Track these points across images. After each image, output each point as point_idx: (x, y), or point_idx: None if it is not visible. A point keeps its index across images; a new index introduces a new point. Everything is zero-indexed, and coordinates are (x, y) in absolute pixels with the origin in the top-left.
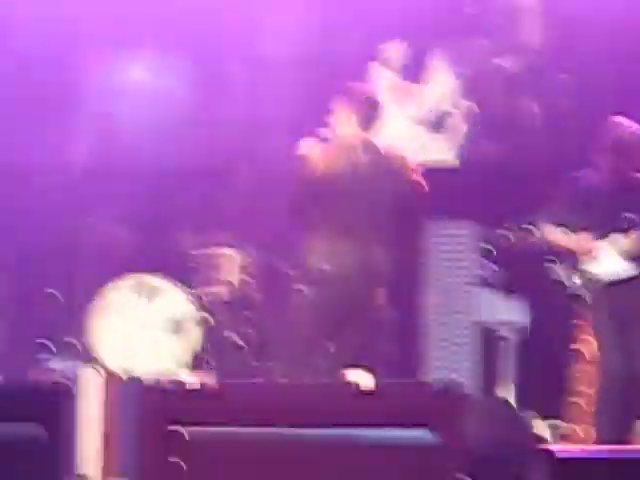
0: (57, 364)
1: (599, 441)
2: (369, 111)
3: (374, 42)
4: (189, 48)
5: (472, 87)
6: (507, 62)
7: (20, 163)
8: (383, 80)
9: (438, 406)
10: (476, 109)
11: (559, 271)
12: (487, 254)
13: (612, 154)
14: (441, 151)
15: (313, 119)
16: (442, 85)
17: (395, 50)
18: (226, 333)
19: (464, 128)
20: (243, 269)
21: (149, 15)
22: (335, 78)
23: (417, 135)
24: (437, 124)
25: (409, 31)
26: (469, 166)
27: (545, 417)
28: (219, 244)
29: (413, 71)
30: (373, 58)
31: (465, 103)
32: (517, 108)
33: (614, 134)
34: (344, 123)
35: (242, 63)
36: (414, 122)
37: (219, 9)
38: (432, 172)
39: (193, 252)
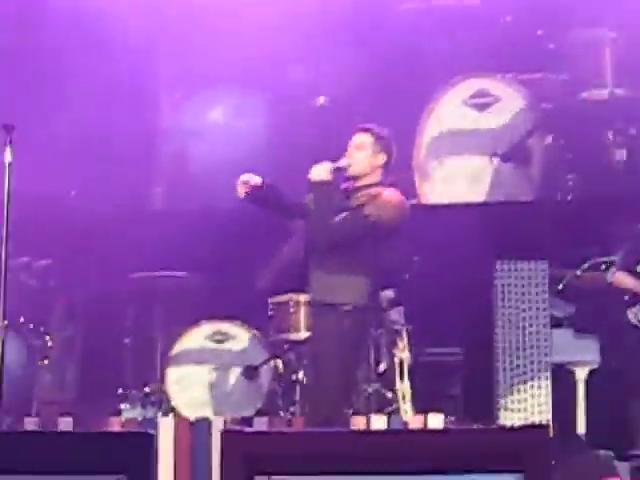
0: (136, 413)
1: None
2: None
3: (455, 76)
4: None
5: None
6: (588, 95)
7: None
8: (459, 114)
9: (528, 449)
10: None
11: (632, 315)
12: (560, 294)
13: None
14: (517, 186)
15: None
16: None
17: (473, 84)
18: (300, 378)
19: (542, 163)
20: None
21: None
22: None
23: (494, 169)
24: (516, 158)
25: (489, 65)
26: (544, 203)
27: (618, 456)
28: (295, 289)
29: (492, 105)
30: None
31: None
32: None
33: None
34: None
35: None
36: (492, 156)
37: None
38: (506, 208)
39: (268, 298)
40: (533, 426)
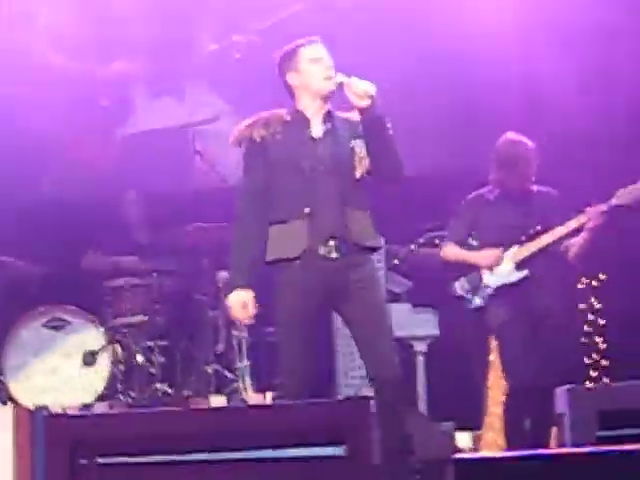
0: None
1: (510, 447)
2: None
3: None
4: None
5: None
6: None
7: None
8: None
9: (348, 421)
10: None
11: (458, 286)
12: (397, 269)
13: (504, 168)
14: None
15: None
16: None
17: None
18: (139, 362)
19: None
20: (156, 297)
21: None
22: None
23: None
24: None
25: None
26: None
27: (460, 427)
28: (131, 273)
29: None
30: None
31: None
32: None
33: (505, 149)
34: None
35: None
36: None
37: None
38: None
39: (105, 282)
40: (355, 399)
